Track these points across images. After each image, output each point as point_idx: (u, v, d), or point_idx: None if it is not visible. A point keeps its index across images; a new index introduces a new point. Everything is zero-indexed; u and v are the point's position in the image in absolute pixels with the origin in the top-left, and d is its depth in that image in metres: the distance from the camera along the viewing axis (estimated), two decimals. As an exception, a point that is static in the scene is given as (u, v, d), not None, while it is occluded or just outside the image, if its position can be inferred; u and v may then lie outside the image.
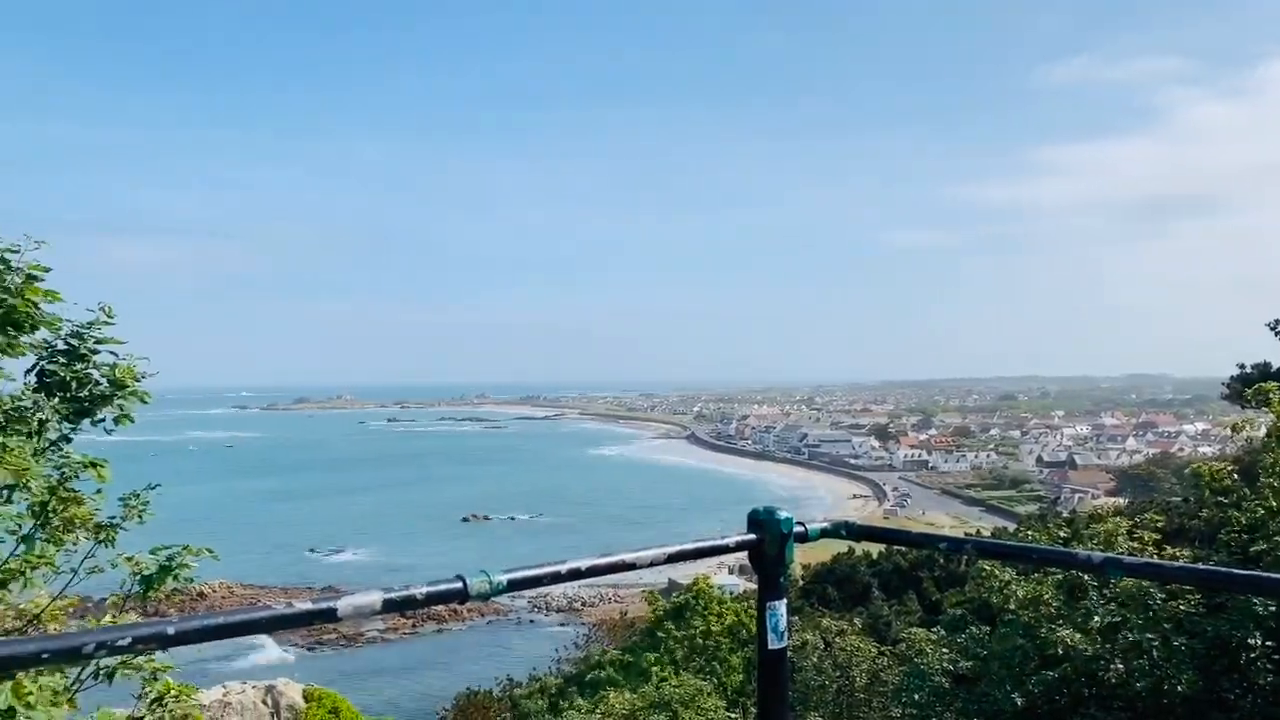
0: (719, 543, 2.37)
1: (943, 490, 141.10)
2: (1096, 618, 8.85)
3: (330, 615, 1.68)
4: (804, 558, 40.82)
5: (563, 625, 69.16)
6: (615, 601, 73.58)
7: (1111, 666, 8.55)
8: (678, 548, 2.25)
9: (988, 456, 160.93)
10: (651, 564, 2.25)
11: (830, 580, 45.86)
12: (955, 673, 10.67)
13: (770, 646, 2.33)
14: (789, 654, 2.43)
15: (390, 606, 1.74)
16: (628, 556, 2.18)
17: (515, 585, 1.91)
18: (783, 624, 2.34)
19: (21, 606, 10.37)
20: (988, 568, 10.26)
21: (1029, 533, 13.13)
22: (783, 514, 2.36)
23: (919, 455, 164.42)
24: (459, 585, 1.80)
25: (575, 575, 2.05)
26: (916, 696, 10.70)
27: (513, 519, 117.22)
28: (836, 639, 17.91)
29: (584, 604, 77.00)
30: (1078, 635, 8.80)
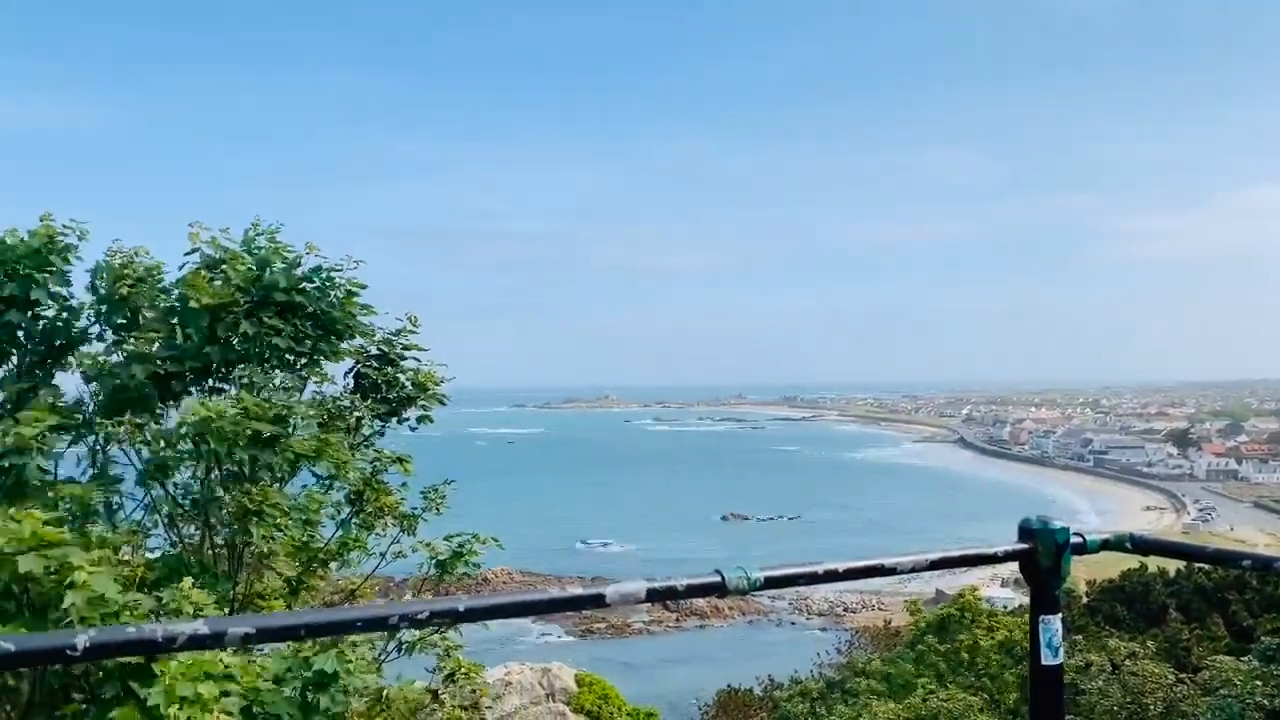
0: (986, 551, 2.32)
1: (1256, 503, 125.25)
2: None
3: (599, 601, 1.85)
4: (1088, 572, 37.71)
5: (823, 630, 68.17)
6: (879, 609, 71.53)
7: None
8: (941, 554, 2.23)
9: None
10: (913, 570, 2.26)
11: (1119, 598, 41.98)
12: (1272, 709, 9.54)
13: (1044, 662, 2.26)
14: (1071, 675, 2.35)
15: (653, 596, 1.88)
16: (887, 561, 2.19)
17: (772, 583, 1.99)
18: (1057, 640, 2.27)
19: (340, 583, 11.78)
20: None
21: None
22: (1057, 523, 2.28)
23: (1226, 464, 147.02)
24: (717, 579, 1.91)
25: (832, 577, 2.10)
26: (1223, 732, 9.69)
27: (770, 520, 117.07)
28: (1126, 661, 16.46)
29: (846, 609, 75.53)
30: None
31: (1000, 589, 57.83)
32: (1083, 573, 37.86)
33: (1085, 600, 39.28)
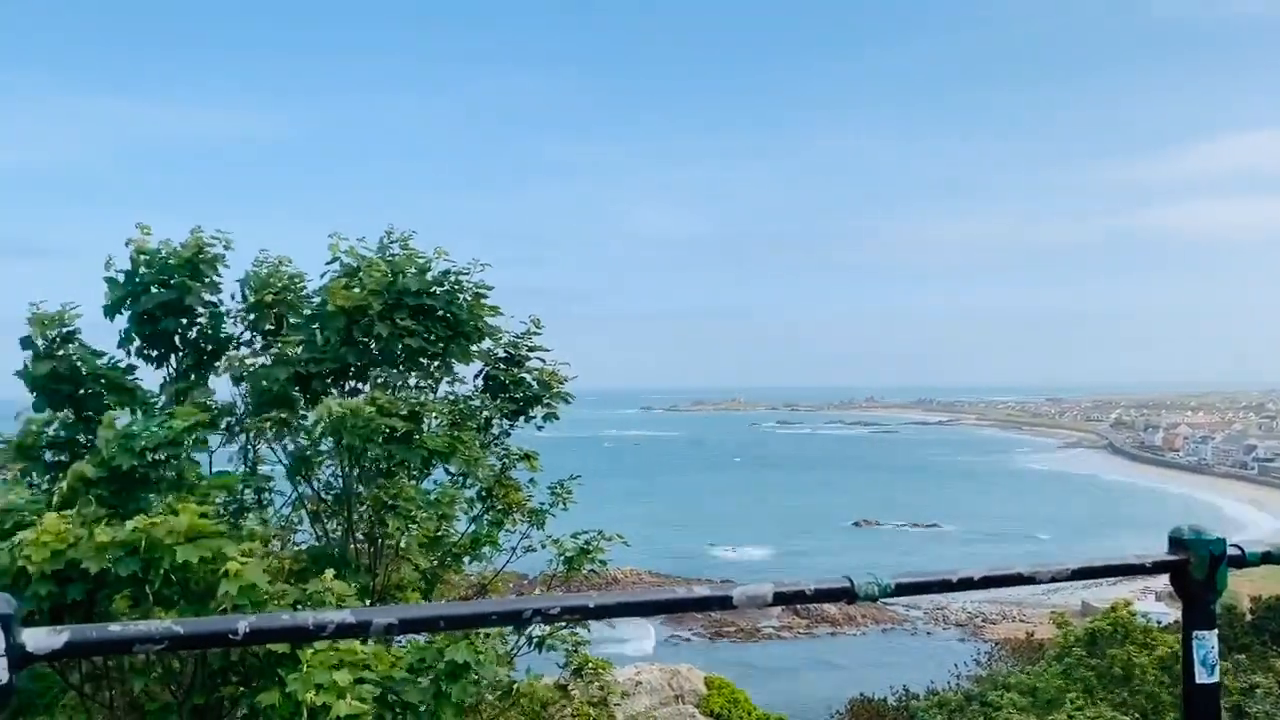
0: (1134, 562, 2.20)
1: None
2: None
3: (726, 602, 1.81)
4: (1252, 588, 35.15)
5: (961, 640, 65.96)
6: (1020, 620, 68.73)
7: None
8: (1084, 564, 2.12)
9: None
10: (1053, 580, 2.13)
11: (1289, 617, 39.03)
12: None
13: (1198, 680, 2.11)
14: (1236, 698, 2.18)
15: (780, 599, 1.83)
16: (1025, 569, 2.08)
17: (903, 590, 1.90)
18: (1213, 657, 2.10)
19: (472, 578, 12.10)
20: None
21: None
22: (1212, 534, 2.12)
23: None
24: (846, 585, 1.85)
25: (967, 585, 2.00)
26: None
27: (904, 527, 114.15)
28: (1297, 686, 15.25)
29: (985, 620, 72.81)
30: None
31: (1154, 603, 54.66)
32: (1246, 588, 35.40)
33: (1249, 617, 36.63)
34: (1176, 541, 2.14)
